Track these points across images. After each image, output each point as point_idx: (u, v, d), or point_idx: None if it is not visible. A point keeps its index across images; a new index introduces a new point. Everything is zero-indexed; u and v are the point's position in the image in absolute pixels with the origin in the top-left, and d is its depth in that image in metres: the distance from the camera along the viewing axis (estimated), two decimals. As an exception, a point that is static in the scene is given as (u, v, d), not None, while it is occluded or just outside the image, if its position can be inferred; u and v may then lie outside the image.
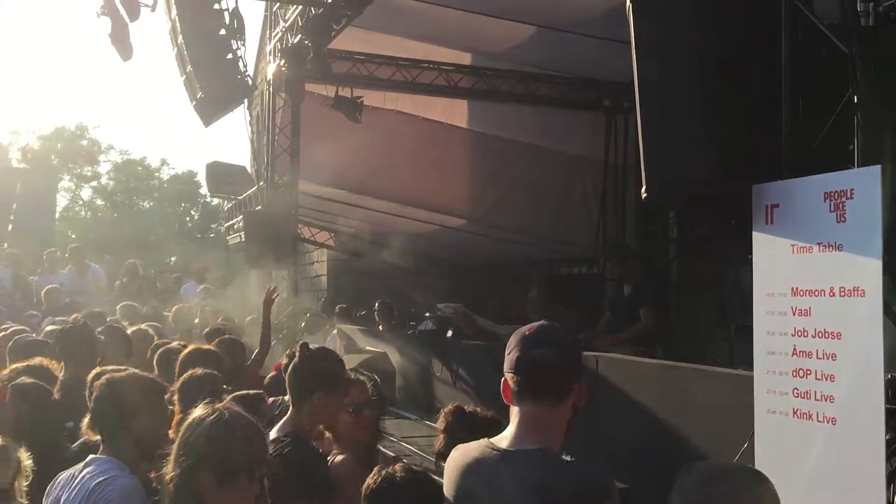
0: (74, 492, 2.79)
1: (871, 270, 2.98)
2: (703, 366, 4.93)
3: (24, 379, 4.10)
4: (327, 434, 3.46)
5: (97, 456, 2.92)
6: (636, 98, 3.70)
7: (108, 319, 7.22)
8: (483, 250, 13.20)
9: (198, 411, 2.38)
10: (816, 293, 3.21)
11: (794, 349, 3.30)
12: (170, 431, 3.07)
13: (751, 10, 3.66)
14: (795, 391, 3.28)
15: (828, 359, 3.15)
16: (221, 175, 15.49)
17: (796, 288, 3.30)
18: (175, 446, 2.35)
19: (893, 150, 3.23)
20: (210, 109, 10.86)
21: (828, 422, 3.14)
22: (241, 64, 10.28)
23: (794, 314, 3.31)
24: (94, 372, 3.45)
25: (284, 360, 3.71)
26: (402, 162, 11.81)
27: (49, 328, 6.70)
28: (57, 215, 28.01)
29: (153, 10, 9.32)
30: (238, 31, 10.06)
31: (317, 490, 2.99)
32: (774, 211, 3.44)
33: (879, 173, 2.99)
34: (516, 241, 12.40)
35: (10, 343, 5.47)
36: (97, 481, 2.76)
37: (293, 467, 2.95)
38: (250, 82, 10.87)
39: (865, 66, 3.31)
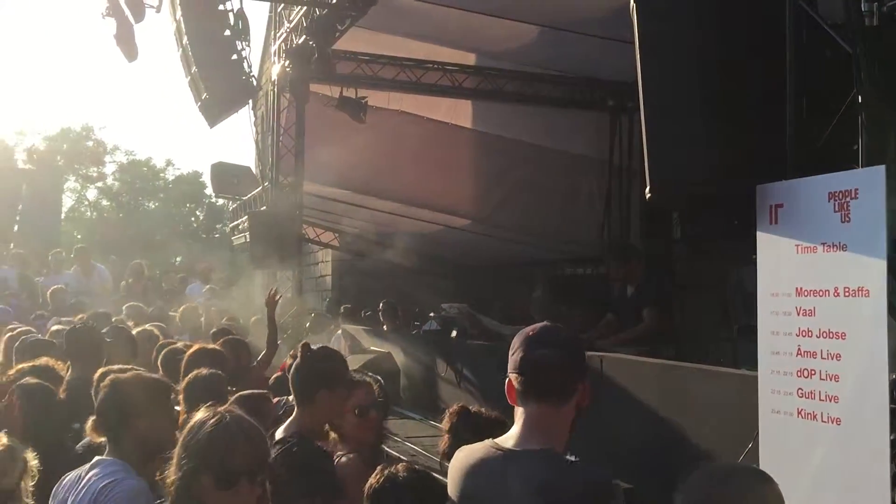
0: (81, 494, 2.78)
1: (875, 270, 2.97)
2: (707, 366, 4.92)
3: (30, 379, 4.10)
4: (333, 435, 3.47)
5: (103, 457, 2.91)
6: (640, 98, 3.70)
7: (113, 320, 7.21)
8: (487, 250, 13.19)
9: (200, 414, 2.38)
10: (821, 293, 3.20)
11: (799, 349, 3.29)
12: (177, 432, 3.07)
13: (752, 11, 3.65)
14: (800, 391, 3.28)
15: (832, 359, 3.14)
16: (226, 175, 15.53)
17: (801, 288, 3.29)
18: (177, 449, 2.36)
19: (898, 150, 3.23)
20: (215, 110, 10.90)
21: (832, 422, 3.13)
22: (245, 65, 10.31)
23: (798, 314, 3.30)
24: (99, 372, 3.46)
25: (289, 361, 3.72)
26: (407, 162, 11.81)
27: (55, 328, 6.72)
28: (62, 216, 28.00)
29: (158, 11, 9.35)
30: (243, 31, 10.08)
31: (319, 489, 2.99)
32: (779, 211, 3.43)
33: (884, 173, 2.98)
34: (520, 242, 12.38)
35: (17, 343, 5.46)
36: (104, 483, 2.76)
37: (297, 467, 2.96)
38: (255, 83, 10.90)
39: (869, 66, 3.31)
